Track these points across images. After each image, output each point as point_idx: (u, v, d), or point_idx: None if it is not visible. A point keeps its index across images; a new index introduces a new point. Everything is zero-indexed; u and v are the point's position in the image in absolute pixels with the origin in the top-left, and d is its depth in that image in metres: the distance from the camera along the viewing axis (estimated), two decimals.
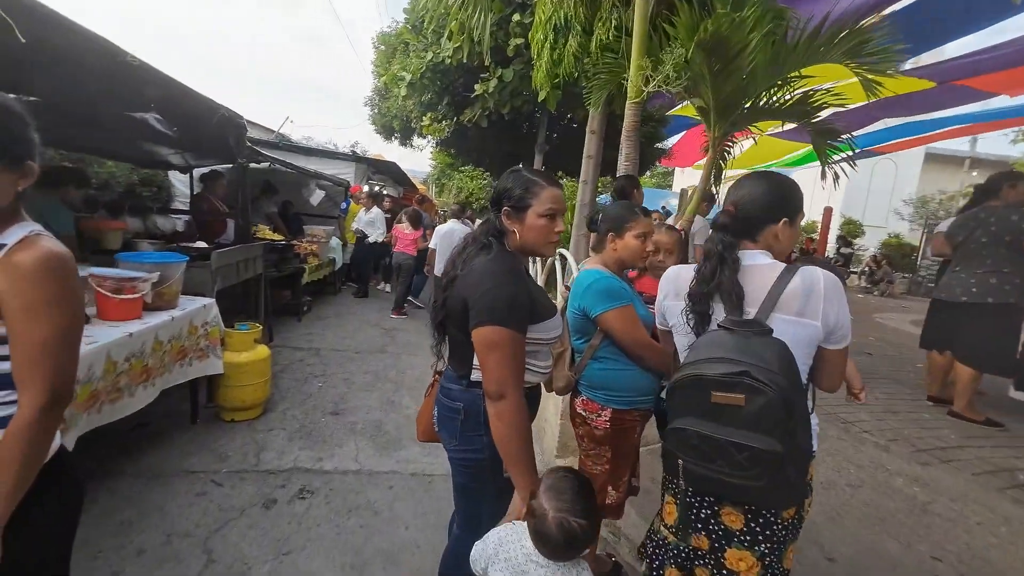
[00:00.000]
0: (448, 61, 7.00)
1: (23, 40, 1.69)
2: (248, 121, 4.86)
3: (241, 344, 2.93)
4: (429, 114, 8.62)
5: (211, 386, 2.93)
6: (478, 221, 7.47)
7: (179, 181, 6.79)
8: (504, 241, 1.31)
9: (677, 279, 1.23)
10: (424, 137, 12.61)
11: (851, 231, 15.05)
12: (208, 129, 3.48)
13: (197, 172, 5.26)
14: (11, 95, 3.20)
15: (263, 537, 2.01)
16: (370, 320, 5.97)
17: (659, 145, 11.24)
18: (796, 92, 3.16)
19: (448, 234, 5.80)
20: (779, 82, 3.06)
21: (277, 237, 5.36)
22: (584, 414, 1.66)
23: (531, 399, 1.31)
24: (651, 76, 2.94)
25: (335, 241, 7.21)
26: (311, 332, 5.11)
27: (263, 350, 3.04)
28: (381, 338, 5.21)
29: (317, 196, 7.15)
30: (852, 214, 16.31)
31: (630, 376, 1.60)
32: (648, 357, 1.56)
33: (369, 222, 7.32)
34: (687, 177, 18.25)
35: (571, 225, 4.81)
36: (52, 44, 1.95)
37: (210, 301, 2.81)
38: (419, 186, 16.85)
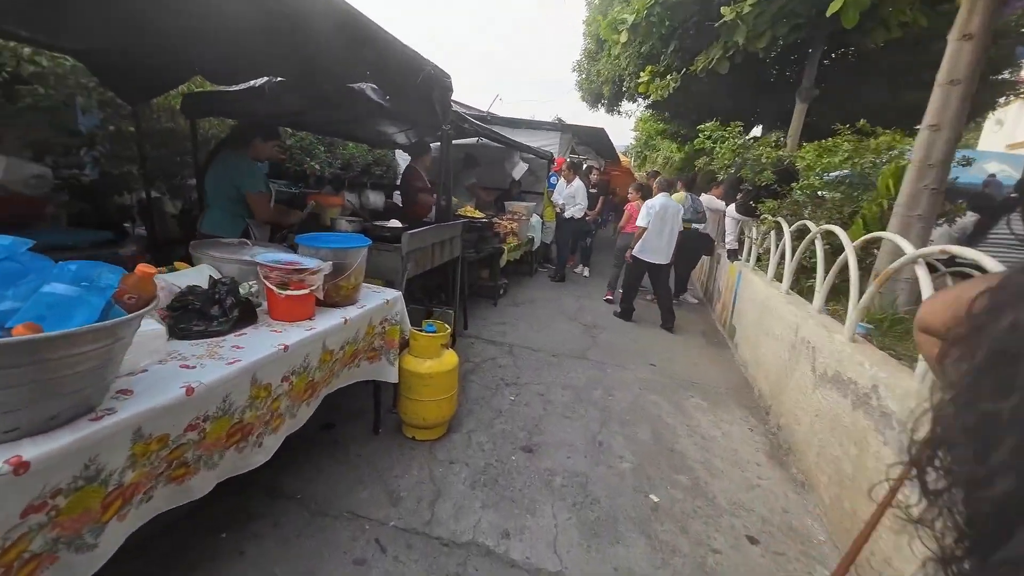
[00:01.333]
0: None
1: None
2: (457, 102, 4.52)
3: (426, 349, 2.37)
4: (648, 67, 7.22)
5: (396, 390, 2.48)
6: (703, 197, 5.89)
7: (404, 160, 7.20)
8: None
9: None
10: (635, 101, 11.20)
11: None
12: (414, 92, 3.08)
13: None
14: (264, 78, 3.21)
15: None
16: (568, 311, 5.18)
17: (1007, 76, 7.43)
18: None
19: (662, 211, 4.65)
20: None
21: (478, 215, 4.96)
22: None
23: None
24: None
25: (535, 219, 6.65)
26: (505, 321, 4.58)
27: (450, 358, 2.44)
28: (581, 337, 4.35)
29: (520, 169, 6.67)
30: None
31: None
32: None
33: (570, 195, 6.49)
34: None
35: (895, 200, 2.97)
36: None
37: (395, 295, 2.29)
38: (622, 158, 15.57)
